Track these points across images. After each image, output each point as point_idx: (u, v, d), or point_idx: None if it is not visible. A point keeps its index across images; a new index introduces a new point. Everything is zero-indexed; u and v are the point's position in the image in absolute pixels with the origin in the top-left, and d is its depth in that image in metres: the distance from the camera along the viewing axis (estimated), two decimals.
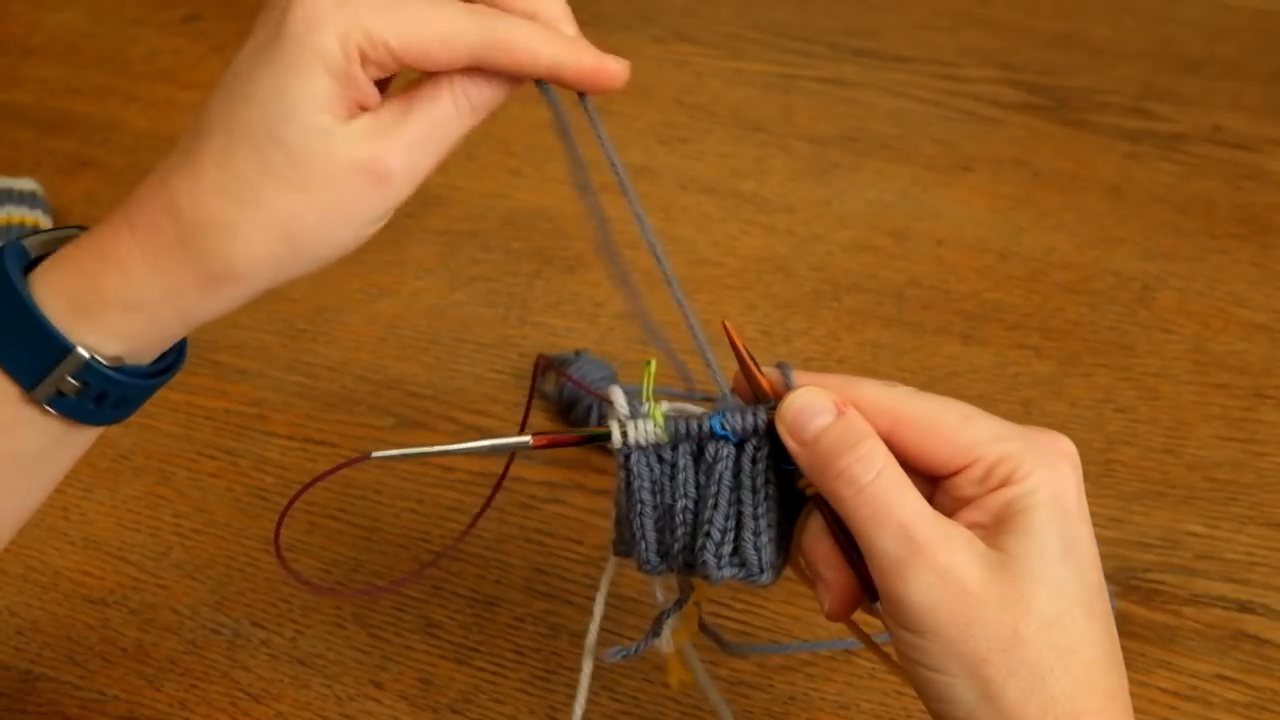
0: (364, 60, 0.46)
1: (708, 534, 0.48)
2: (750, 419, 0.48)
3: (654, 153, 1.03)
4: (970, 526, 0.46)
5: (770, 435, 0.48)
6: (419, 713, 0.68)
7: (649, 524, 0.50)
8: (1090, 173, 1.00)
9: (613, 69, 0.48)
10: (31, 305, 0.47)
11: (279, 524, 0.54)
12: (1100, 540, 0.74)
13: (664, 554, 0.50)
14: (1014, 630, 0.44)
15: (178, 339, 0.50)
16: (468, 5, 0.47)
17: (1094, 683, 0.45)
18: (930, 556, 0.44)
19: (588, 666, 0.55)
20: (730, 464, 0.49)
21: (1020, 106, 1.07)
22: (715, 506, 0.49)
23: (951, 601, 0.44)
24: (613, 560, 0.53)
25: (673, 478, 0.49)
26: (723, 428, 0.48)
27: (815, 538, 0.49)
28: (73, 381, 0.47)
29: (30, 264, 0.49)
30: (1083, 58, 1.13)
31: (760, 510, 0.49)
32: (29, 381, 0.47)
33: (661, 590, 0.53)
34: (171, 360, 0.51)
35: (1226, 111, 1.06)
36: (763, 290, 0.91)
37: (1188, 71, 1.10)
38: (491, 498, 0.57)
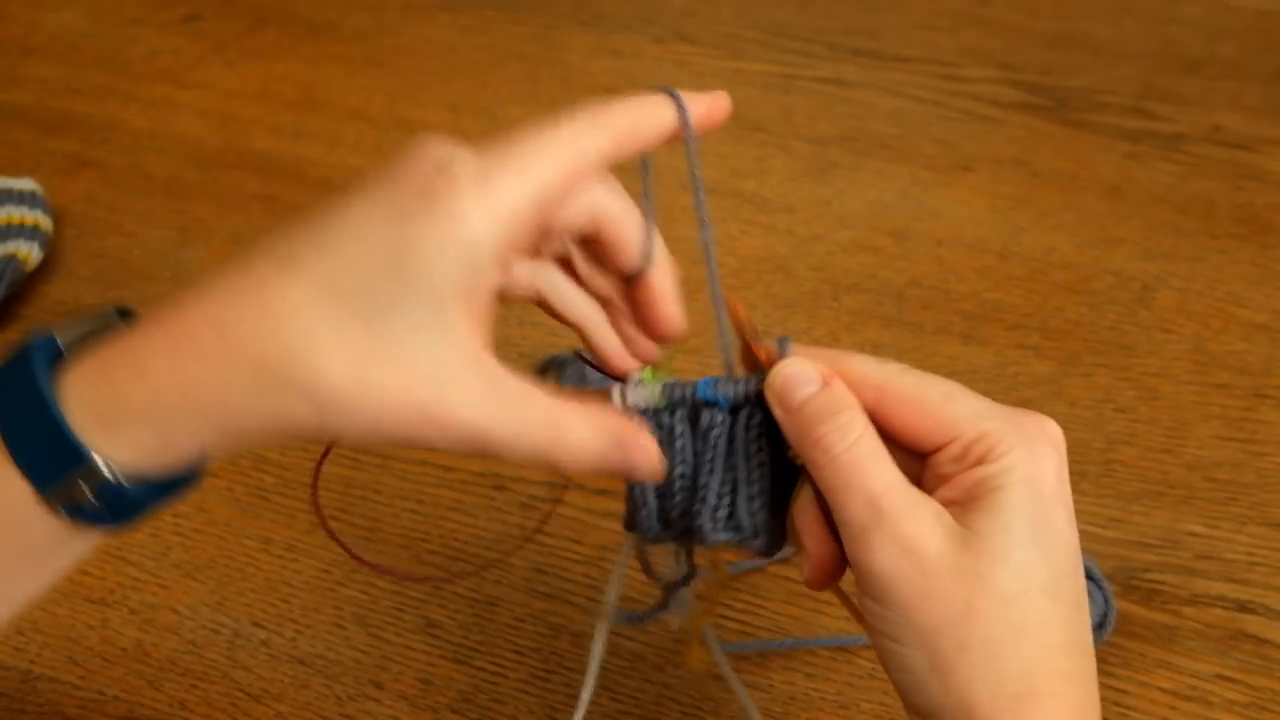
0: (509, 248, 0.44)
1: (703, 499, 0.49)
2: (741, 386, 0.50)
3: (654, 153, 1.02)
4: (945, 503, 0.46)
5: (765, 404, 0.49)
6: (419, 713, 0.68)
7: (649, 489, 0.50)
8: (1090, 173, 1.00)
9: (722, 98, 0.50)
10: (59, 418, 0.44)
11: (315, 485, 0.53)
12: (1100, 540, 0.74)
13: (665, 521, 0.51)
14: (968, 605, 0.44)
15: (199, 463, 0.48)
16: (578, 116, 0.46)
17: (1051, 665, 0.45)
18: (893, 526, 0.45)
19: (601, 635, 0.55)
20: (725, 431, 0.50)
21: (1020, 106, 1.07)
22: (711, 472, 0.49)
23: (911, 571, 0.45)
24: (627, 538, 0.54)
25: (670, 443, 0.50)
26: (711, 392, 0.49)
27: (803, 507, 0.49)
28: (88, 491, 0.45)
29: (60, 349, 0.47)
30: (1083, 58, 1.13)
31: (754, 476, 0.49)
32: (41, 482, 0.45)
33: (674, 566, 0.54)
34: (192, 473, 0.49)
35: (1226, 111, 1.06)
36: (763, 290, 0.91)
37: (1188, 71, 1.10)
38: (549, 513, 0.58)
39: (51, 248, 0.96)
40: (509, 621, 0.72)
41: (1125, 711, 0.67)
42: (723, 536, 0.49)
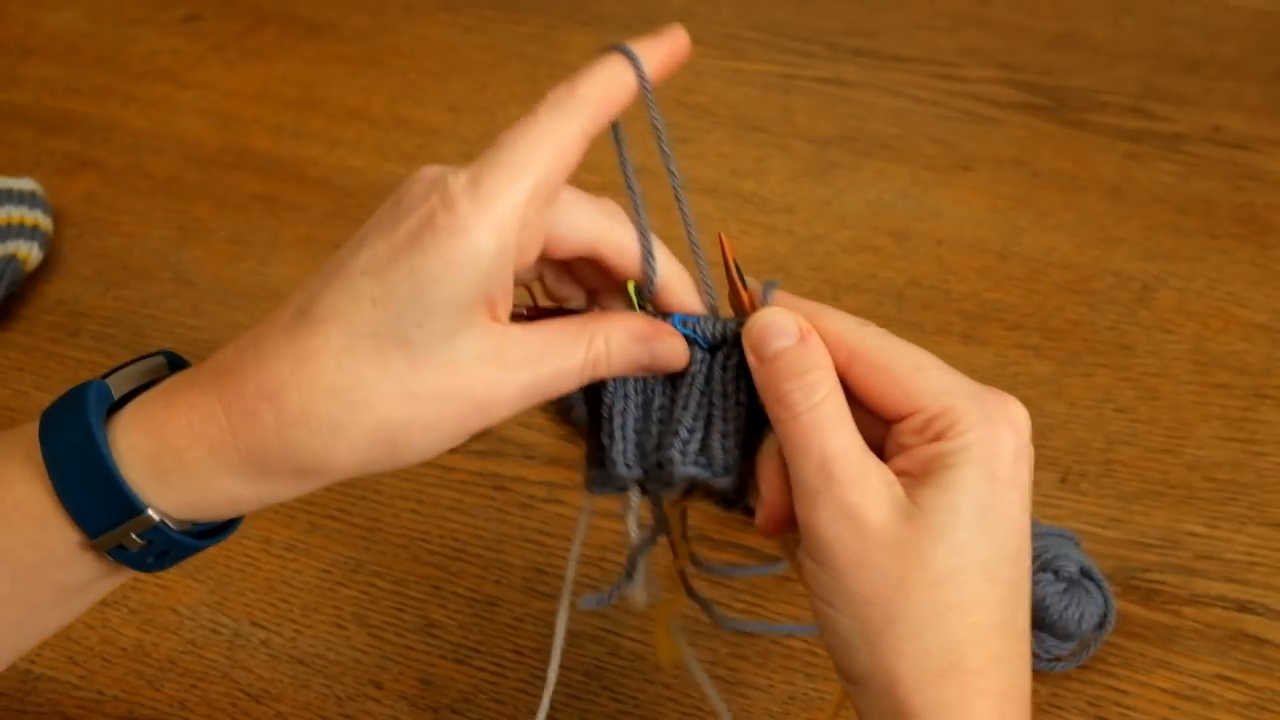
0: (518, 245, 0.46)
1: (675, 432, 0.49)
2: (720, 327, 0.50)
3: (654, 153, 1.02)
4: (900, 473, 0.46)
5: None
6: (419, 713, 0.68)
7: (630, 421, 0.50)
8: (1090, 173, 1.00)
9: (679, 35, 0.49)
10: (112, 467, 0.45)
11: None
12: (1100, 540, 0.74)
13: (641, 454, 0.50)
14: (901, 579, 0.44)
15: (252, 511, 0.49)
16: (553, 104, 0.47)
17: (980, 644, 0.45)
18: (840, 492, 0.45)
19: (563, 614, 0.55)
20: (703, 370, 0.50)
21: (1020, 106, 1.07)
22: (685, 407, 0.50)
23: (850, 539, 0.45)
24: (588, 500, 0.54)
25: (650, 375, 0.51)
26: (684, 326, 0.50)
27: (767, 454, 0.50)
28: (137, 539, 0.46)
29: (112, 400, 0.48)
30: (1083, 58, 1.13)
31: (730, 415, 0.50)
32: (94, 531, 0.46)
33: (635, 528, 0.53)
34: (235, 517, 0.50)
35: (1226, 111, 1.06)
36: None
37: (1188, 71, 1.10)
38: None
39: (51, 248, 0.96)
40: (509, 621, 0.72)
41: (1125, 711, 0.67)
42: (690, 470, 0.49)
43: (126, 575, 0.50)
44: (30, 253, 0.93)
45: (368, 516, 0.77)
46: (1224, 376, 0.84)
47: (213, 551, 0.75)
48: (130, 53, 1.19)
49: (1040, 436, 0.80)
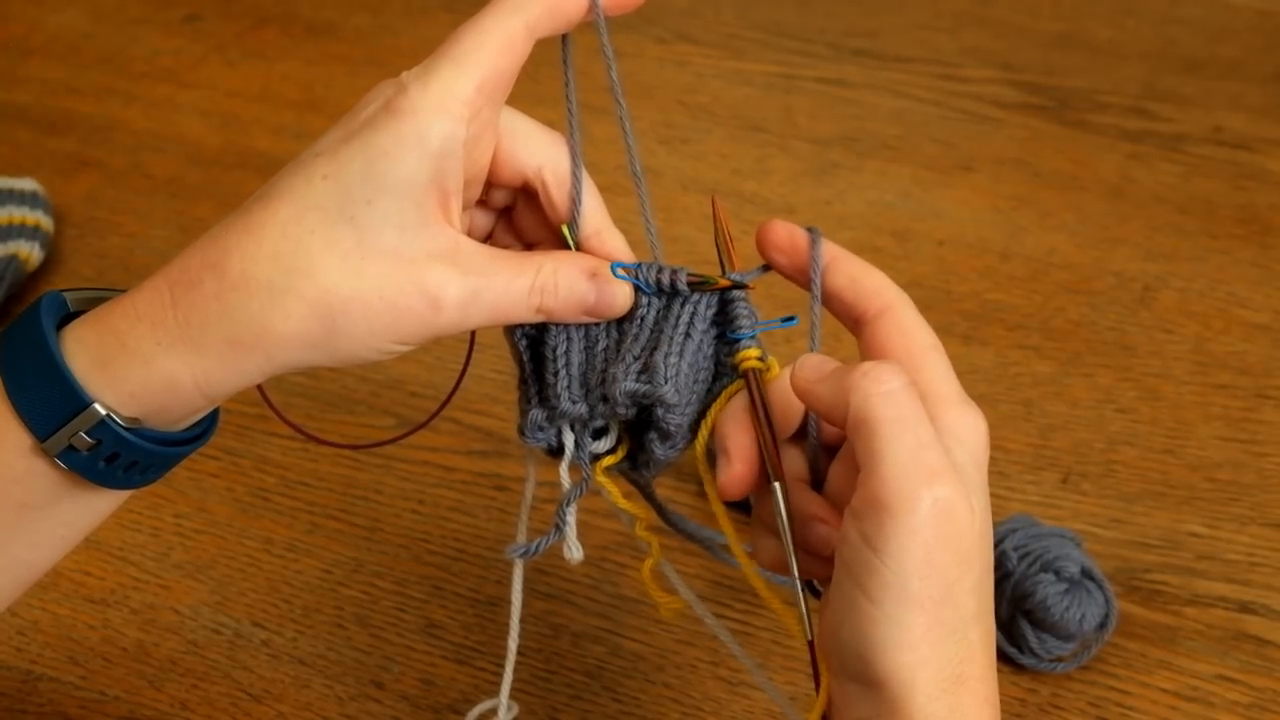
0: (467, 132, 0.46)
1: (621, 358, 0.50)
2: (665, 274, 0.51)
3: (655, 153, 1.02)
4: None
5: (721, 302, 0.52)
6: (420, 713, 0.68)
7: (574, 358, 0.51)
8: (1091, 173, 1.00)
9: None
10: (57, 355, 0.46)
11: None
12: (1101, 540, 0.74)
13: (585, 389, 0.51)
14: (955, 582, 0.44)
15: (199, 411, 0.49)
16: (507, 1, 0.48)
17: (983, 651, 0.46)
18: (942, 484, 0.44)
19: (518, 580, 0.57)
20: (652, 312, 0.51)
21: (1021, 107, 1.07)
22: (636, 339, 0.50)
23: (935, 534, 0.43)
24: (531, 467, 0.55)
25: (593, 320, 0.51)
26: (625, 274, 0.50)
27: (733, 413, 0.50)
28: (86, 438, 0.46)
29: (68, 316, 0.48)
30: (1083, 58, 1.12)
31: (676, 345, 0.50)
32: (43, 432, 0.46)
33: (567, 478, 0.54)
34: (198, 433, 0.50)
35: (1227, 112, 1.05)
36: (763, 290, 0.91)
37: (1188, 72, 1.10)
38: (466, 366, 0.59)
39: (52, 248, 0.96)
40: (509, 621, 0.72)
41: (1126, 712, 0.67)
42: (632, 384, 0.49)
43: (101, 504, 0.49)
44: (31, 253, 0.93)
45: (369, 517, 0.77)
46: (1225, 377, 0.84)
47: (213, 551, 0.75)
48: (131, 53, 1.19)
49: (1041, 437, 0.80)
